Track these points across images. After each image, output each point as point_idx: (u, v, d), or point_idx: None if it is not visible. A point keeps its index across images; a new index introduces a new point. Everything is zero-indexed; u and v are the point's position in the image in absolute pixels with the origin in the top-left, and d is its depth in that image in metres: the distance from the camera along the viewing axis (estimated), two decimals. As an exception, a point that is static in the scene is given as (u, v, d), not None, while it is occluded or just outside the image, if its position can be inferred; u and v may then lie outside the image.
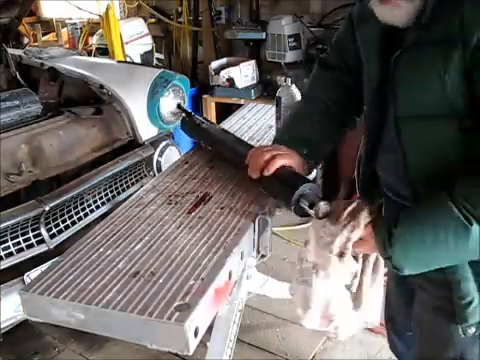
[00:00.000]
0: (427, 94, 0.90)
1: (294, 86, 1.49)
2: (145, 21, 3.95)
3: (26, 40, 4.41)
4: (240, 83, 3.28)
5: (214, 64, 3.39)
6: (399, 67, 0.94)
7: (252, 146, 1.36)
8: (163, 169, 2.14)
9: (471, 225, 0.84)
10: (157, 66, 3.48)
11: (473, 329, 0.98)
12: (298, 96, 1.47)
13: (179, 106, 1.62)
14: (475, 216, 0.84)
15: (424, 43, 0.90)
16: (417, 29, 0.91)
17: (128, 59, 3.62)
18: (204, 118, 1.62)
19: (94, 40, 3.88)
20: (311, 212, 1.02)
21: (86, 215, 1.98)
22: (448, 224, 0.87)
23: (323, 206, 1.01)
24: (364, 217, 0.97)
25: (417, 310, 1.14)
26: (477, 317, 0.97)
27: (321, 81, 1.26)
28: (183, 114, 1.70)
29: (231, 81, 3.27)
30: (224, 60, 3.48)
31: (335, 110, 1.21)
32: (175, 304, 0.84)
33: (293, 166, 1.14)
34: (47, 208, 1.78)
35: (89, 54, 3.69)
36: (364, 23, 1.06)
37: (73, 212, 1.94)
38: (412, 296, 1.15)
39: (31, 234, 1.79)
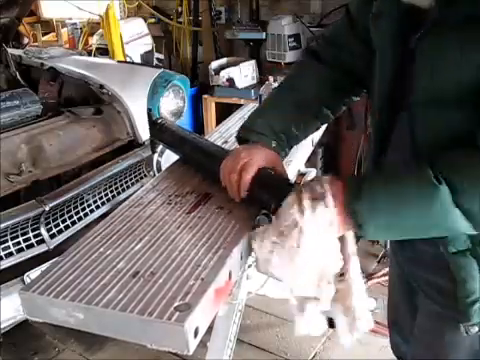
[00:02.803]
0: (449, 77, 0.84)
1: (276, 84, 1.50)
2: (145, 21, 3.95)
3: (26, 40, 4.41)
4: (240, 83, 3.28)
5: (214, 64, 3.39)
6: (420, 49, 0.89)
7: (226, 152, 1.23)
8: (163, 169, 2.14)
9: (439, 184, 0.80)
10: (157, 66, 3.48)
11: (476, 328, 0.96)
12: None
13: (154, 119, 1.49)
14: (447, 177, 0.80)
15: (449, 22, 0.83)
16: (441, 8, 0.84)
17: (128, 59, 3.62)
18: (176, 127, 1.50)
19: (94, 40, 3.89)
20: None
21: (86, 215, 1.98)
22: (413, 179, 0.84)
23: None
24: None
25: (421, 318, 1.12)
26: None
27: (305, 71, 1.19)
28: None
29: (231, 81, 3.27)
30: (224, 60, 3.48)
31: (313, 104, 1.14)
32: (175, 304, 0.84)
33: (265, 164, 1.06)
34: (47, 208, 1.78)
35: (89, 54, 3.69)
36: (381, 16, 1.00)
37: (73, 212, 1.94)
38: (414, 295, 1.13)
39: (31, 234, 1.79)
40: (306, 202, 0.89)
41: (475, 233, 0.86)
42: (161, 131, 1.49)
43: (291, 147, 1.18)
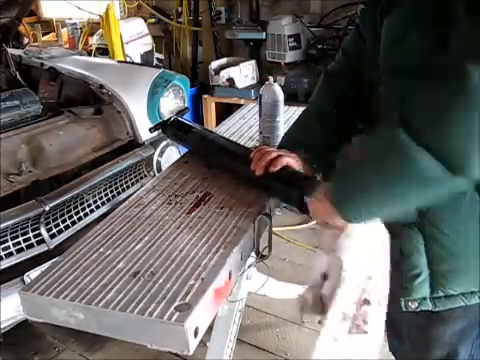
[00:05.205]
0: (397, 49, 0.89)
1: (276, 85, 1.51)
2: (145, 21, 3.95)
3: (26, 40, 4.40)
4: (240, 83, 3.28)
5: (214, 64, 3.39)
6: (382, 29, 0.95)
7: (248, 148, 1.39)
8: (163, 169, 2.14)
9: (395, 130, 0.78)
10: (157, 66, 3.48)
11: (416, 304, 0.97)
12: (279, 94, 1.48)
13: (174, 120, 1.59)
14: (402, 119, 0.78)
15: (398, 5, 0.89)
16: None
17: (128, 59, 3.62)
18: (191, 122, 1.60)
19: (94, 40, 3.89)
20: None
21: (86, 215, 1.98)
22: (379, 144, 0.83)
23: None
24: None
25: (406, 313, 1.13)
26: (422, 293, 0.95)
27: (322, 89, 1.28)
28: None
29: (231, 81, 3.27)
30: (224, 60, 3.48)
31: (336, 117, 1.21)
32: (175, 304, 0.85)
33: (298, 167, 1.16)
34: (47, 208, 1.78)
35: (89, 54, 3.68)
36: (366, 10, 1.10)
37: (73, 212, 1.94)
38: None
39: (31, 234, 1.79)
40: None
41: (428, 204, 0.87)
42: (172, 126, 1.55)
43: (327, 162, 1.22)
